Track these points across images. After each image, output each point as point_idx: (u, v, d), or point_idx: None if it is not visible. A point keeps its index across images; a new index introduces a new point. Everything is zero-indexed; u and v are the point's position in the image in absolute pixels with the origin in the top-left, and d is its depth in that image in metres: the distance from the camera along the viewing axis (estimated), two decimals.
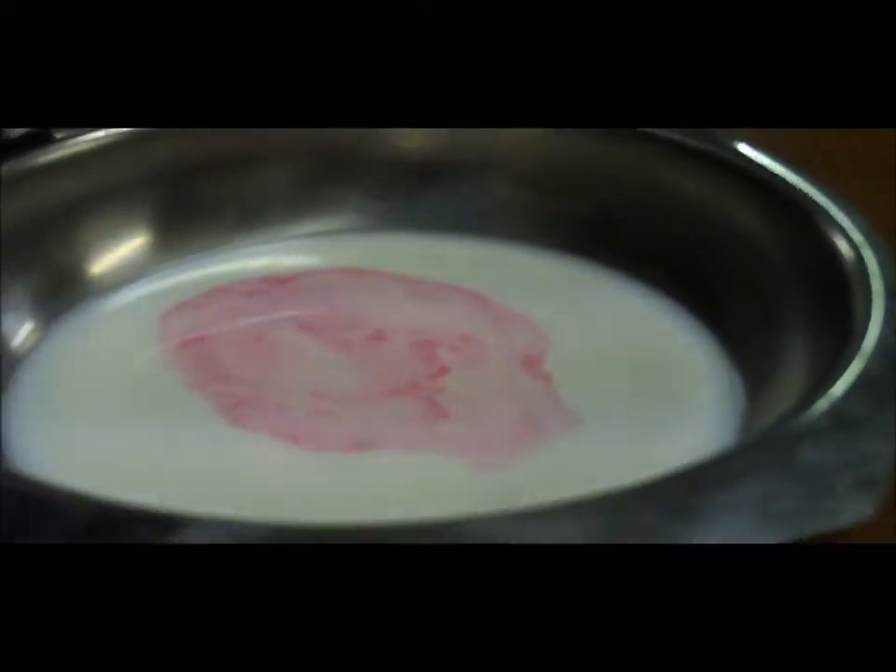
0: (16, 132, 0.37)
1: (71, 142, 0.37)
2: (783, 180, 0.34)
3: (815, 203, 0.32)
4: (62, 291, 0.36)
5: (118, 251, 0.38)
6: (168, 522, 0.21)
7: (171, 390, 0.34)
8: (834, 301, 0.29)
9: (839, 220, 0.31)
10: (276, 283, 0.38)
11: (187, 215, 0.38)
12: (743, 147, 0.35)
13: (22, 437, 0.31)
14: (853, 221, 0.31)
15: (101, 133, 0.37)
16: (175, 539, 0.21)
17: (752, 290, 0.33)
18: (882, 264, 0.29)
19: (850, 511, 0.21)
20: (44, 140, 0.38)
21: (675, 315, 0.34)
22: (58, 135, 0.38)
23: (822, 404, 0.24)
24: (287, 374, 0.34)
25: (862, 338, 0.26)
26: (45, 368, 0.34)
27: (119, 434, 0.31)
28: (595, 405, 0.32)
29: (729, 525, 0.21)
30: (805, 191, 0.33)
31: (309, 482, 0.29)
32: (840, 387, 0.24)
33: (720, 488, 0.22)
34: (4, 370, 0.33)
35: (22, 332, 0.34)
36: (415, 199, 0.39)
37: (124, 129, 0.38)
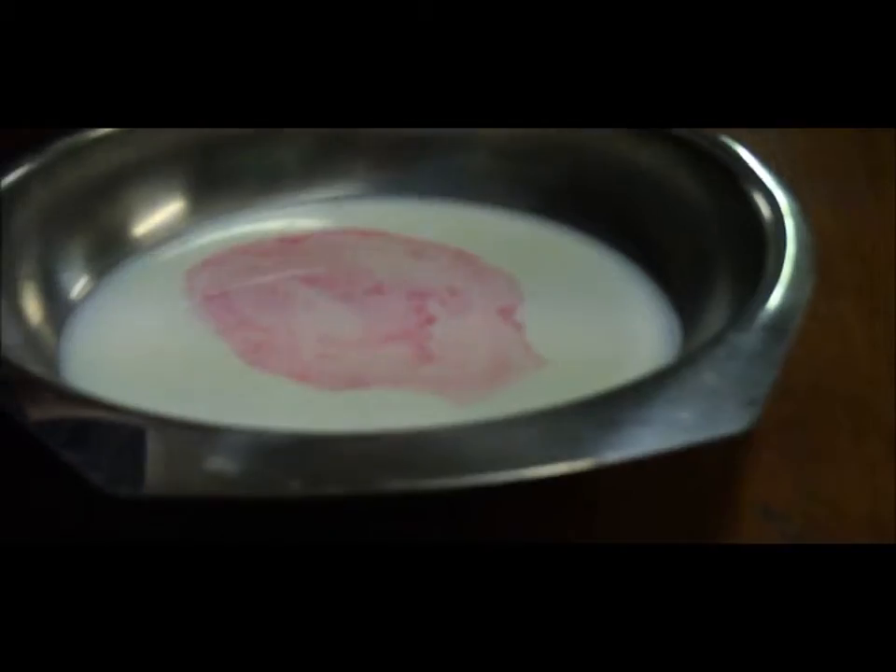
0: None
1: None
2: (722, 150, 0.38)
3: (746, 173, 0.36)
4: (109, 250, 0.39)
5: (155, 215, 0.40)
6: (203, 429, 0.27)
7: (199, 335, 0.36)
8: (755, 257, 0.33)
9: (765, 188, 0.36)
10: (289, 243, 0.41)
11: (214, 183, 0.41)
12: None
13: (76, 370, 0.34)
14: (779, 189, 0.35)
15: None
16: (208, 446, 0.26)
17: (690, 247, 0.36)
18: (797, 228, 0.34)
19: (734, 423, 0.26)
20: None
21: (627, 269, 0.38)
22: None
23: (729, 340, 0.29)
24: (298, 322, 0.37)
25: (771, 289, 0.31)
26: (94, 315, 0.37)
27: (155, 371, 0.35)
28: (558, 349, 0.35)
29: (639, 434, 0.26)
30: (740, 162, 0.37)
31: (312, 412, 0.32)
32: (744, 328, 0.29)
33: (636, 405, 0.27)
34: (62, 316, 0.36)
35: (78, 285, 0.38)
36: (411, 169, 0.42)
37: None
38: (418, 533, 0.28)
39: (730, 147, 0.38)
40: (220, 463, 0.25)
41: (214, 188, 0.42)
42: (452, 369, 0.35)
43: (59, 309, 0.37)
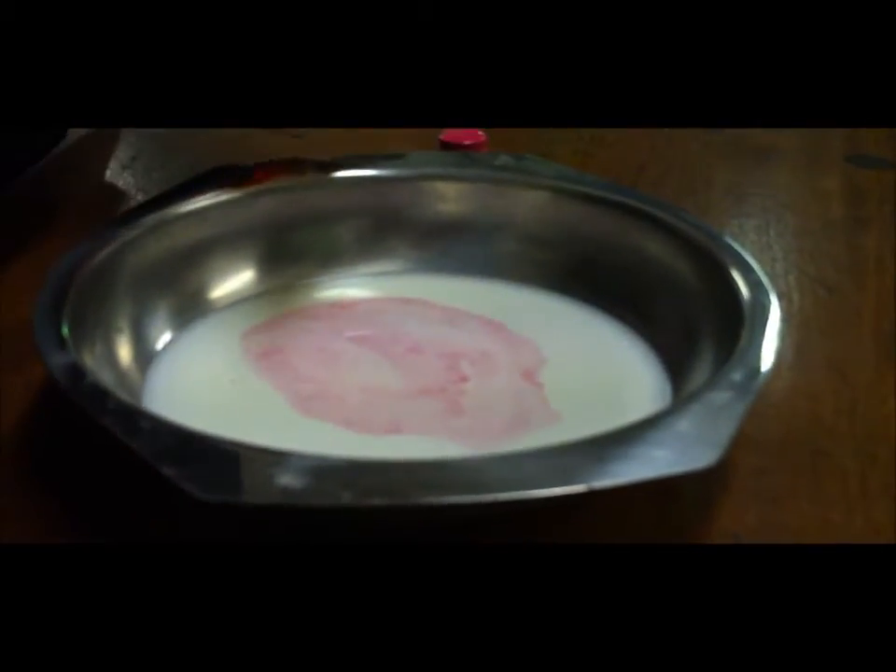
0: None
1: (198, 198, 0.47)
2: (711, 240, 0.44)
3: (730, 256, 0.43)
4: (188, 309, 0.45)
5: (228, 282, 0.47)
6: (274, 453, 0.33)
7: (257, 384, 0.42)
8: (734, 331, 0.39)
9: (748, 274, 0.42)
10: (339, 308, 0.47)
11: (280, 257, 0.48)
12: (687, 216, 0.46)
13: (156, 408, 0.39)
14: (760, 276, 0.42)
15: (219, 193, 0.47)
16: (278, 466, 0.33)
17: (681, 321, 0.43)
18: (772, 309, 0.40)
19: (701, 461, 0.32)
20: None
21: (629, 337, 0.44)
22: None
23: (704, 396, 0.36)
24: (345, 376, 0.42)
25: (743, 356, 0.38)
26: (173, 363, 0.43)
27: (219, 416, 0.39)
28: (572, 406, 0.41)
29: (624, 467, 0.33)
30: (725, 248, 0.44)
31: (355, 452, 0.34)
32: (717, 387, 0.36)
33: (623, 445, 0.34)
34: (147, 362, 0.42)
35: (162, 338, 0.44)
36: (448, 249, 0.49)
37: (238, 189, 0.47)
38: (438, 538, 0.34)
39: (721, 239, 0.45)
40: (288, 479, 0.32)
41: (279, 260, 0.48)
42: (478, 421, 0.40)
43: (145, 356, 0.43)
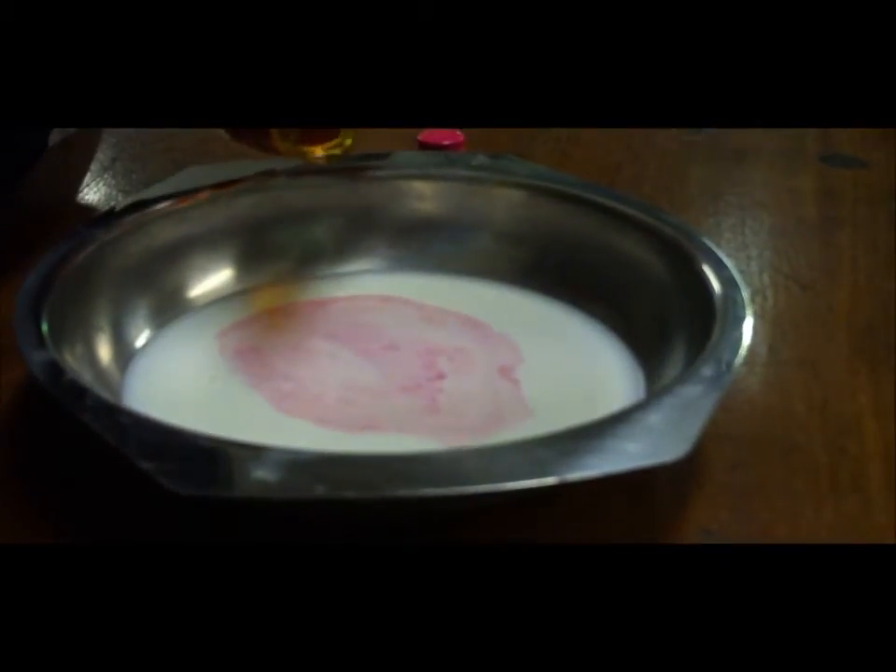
0: None
1: (177, 198, 0.47)
2: (686, 238, 0.45)
3: (703, 254, 0.44)
4: (166, 309, 0.46)
5: (206, 281, 0.47)
6: (249, 447, 0.34)
7: (234, 382, 0.42)
8: (705, 326, 0.40)
9: (717, 266, 0.43)
10: (317, 306, 0.47)
11: (259, 256, 0.49)
12: (663, 214, 0.47)
13: (135, 405, 0.39)
14: (731, 271, 0.43)
15: (200, 193, 0.48)
16: (254, 460, 0.33)
17: (655, 316, 0.44)
18: (743, 304, 0.41)
19: (669, 454, 0.33)
20: None
21: (603, 333, 0.45)
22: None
23: (675, 390, 0.36)
24: (322, 374, 0.43)
25: (714, 351, 0.38)
26: (151, 361, 0.43)
27: (196, 412, 0.40)
28: (547, 401, 0.42)
29: (595, 460, 0.34)
30: (699, 246, 0.44)
31: (330, 449, 0.35)
32: (687, 381, 0.37)
33: (595, 439, 0.34)
34: (126, 360, 0.43)
35: (141, 336, 0.45)
36: (425, 247, 0.50)
37: (216, 189, 0.48)
38: (414, 534, 0.35)
39: (696, 237, 0.45)
40: (263, 473, 0.33)
41: (258, 259, 0.49)
42: (454, 418, 0.41)
43: (124, 355, 0.44)
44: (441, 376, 0.43)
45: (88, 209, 0.58)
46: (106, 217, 0.47)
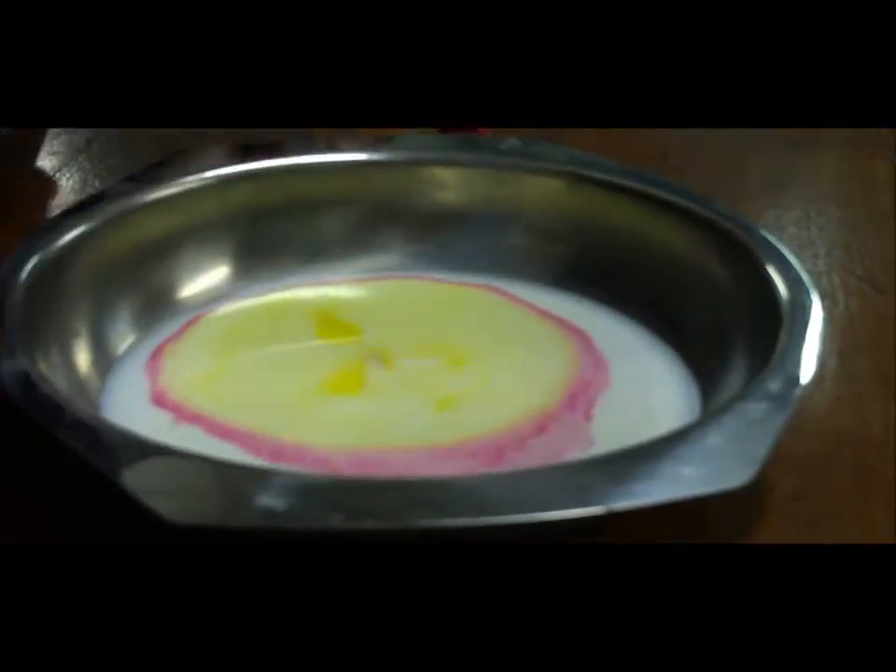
0: None
1: (165, 184, 0.47)
2: (745, 234, 0.45)
3: (765, 251, 0.44)
4: (153, 311, 0.46)
5: (199, 280, 0.47)
6: (250, 472, 0.34)
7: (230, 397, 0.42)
8: (770, 335, 0.40)
9: (782, 266, 0.43)
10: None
11: (258, 252, 0.48)
12: (717, 206, 0.46)
13: (116, 410, 0.41)
14: (800, 273, 0.43)
15: (189, 178, 0.47)
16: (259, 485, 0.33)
17: (712, 323, 0.44)
18: (814, 311, 0.41)
19: (732, 480, 0.33)
20: None
21: (654, 343, 0.45)
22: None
23: (736, 408, 0.36)
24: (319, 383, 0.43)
25: (780, 364, 0.38)
26: (135, 372, 0.43)
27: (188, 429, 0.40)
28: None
29: (647, 487, 0.34)
30: (760, 242, 0.44)
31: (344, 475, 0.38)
32: (751, 398, 0.37)
33: (648, 462, 0.34)
34: (107, 368, 0.43)
35: (125, 341, 0.44)
36: (447, 243, 0.49)
37: (209, 174, 0.48)
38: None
39: (756, 233, 0.45)
40: (269, 499, 0.33)
41: (257, 256, 0.49)
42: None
43: (105, 362, 0.44)
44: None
45: (58, 199, 0.58)
46: (82, 207, 0.47)
